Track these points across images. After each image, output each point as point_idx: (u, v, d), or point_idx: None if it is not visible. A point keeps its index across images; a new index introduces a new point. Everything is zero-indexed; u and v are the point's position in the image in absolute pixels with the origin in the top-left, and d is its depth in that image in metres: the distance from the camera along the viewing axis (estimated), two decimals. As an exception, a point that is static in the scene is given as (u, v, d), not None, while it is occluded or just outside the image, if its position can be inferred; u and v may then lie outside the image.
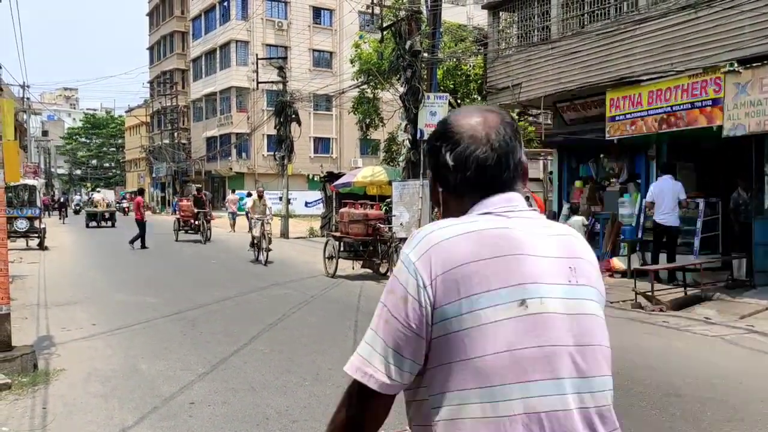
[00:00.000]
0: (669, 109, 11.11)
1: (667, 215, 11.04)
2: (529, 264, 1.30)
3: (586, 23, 13.24)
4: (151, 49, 62.12)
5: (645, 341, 7.65)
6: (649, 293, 9.73)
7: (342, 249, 13.42)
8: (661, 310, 9.42)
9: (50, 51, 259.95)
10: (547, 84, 13.84)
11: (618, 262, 12.26)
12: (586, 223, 12.62)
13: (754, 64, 9.71)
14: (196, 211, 22.08)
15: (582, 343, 1.31)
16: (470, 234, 1.31)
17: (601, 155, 14.36)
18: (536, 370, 1.25)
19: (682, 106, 10.88)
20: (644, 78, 11.58)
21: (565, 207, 14.66)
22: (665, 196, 11.07)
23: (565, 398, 1.27)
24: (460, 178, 1.39)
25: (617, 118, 12.15)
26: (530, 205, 1.43)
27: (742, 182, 11.36)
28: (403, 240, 13.88)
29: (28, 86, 46.36)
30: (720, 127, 10.19)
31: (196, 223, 22.20)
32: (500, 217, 1.34)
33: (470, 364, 1.24)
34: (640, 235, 12.28)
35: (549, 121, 17.23)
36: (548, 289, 1.30)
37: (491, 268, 1.27)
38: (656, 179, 11.76)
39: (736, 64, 9.93)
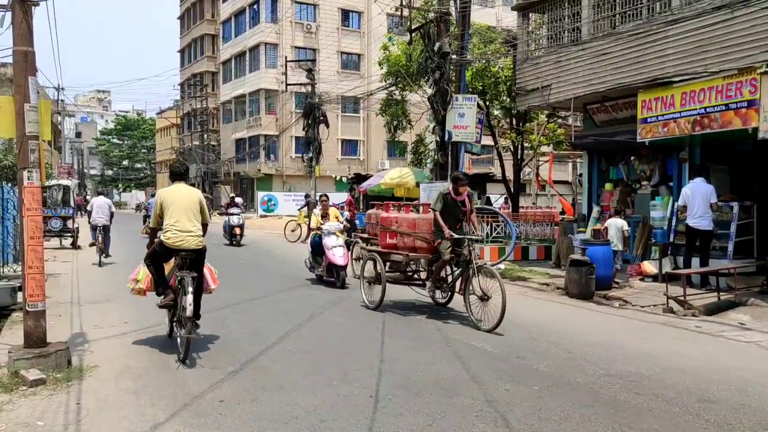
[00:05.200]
0: (702, 110, 10.91)
1: (699, 219, 10.85)
2: None
3: (617, 24, 13.08)
4: (181, 51, 63.00)
5: (677, 346, 7.53)
6: (681, 298, 9.57)
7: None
8: (693, 315, 9.26)
9: (84, 54, 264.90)
10: (577, 85, 13.70)
11: (649, 266, 12.07)
12: (627, 228, 12.36)
13: (792, 65, 9.51)
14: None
15: None
16: None
17: (632, 157, 14.17)
18: None
19: (716, 108, 10.67)
20: (677, 79, 11.40)
21: (595, 209, 14.49)
22: (696, 199, 10.89)
23: None
24: None
25: (649, 119, 11.97)
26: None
27: None
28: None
29: (62, 89, 47.30)
30: (755, 129, 9.98)
31: None
32: None
33: None
34: (671, 239, 12.09)
35: (579, 123, 17.09)
36: None
37: None
38: (689, 182, 11.58)
39: (773, 65, 9.73)
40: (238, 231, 20.56)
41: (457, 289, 8.93)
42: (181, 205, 6.84)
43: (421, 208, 10.63)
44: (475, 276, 8.30)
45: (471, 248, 8.54)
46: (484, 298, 8.11)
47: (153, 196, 17.09)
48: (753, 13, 10.17)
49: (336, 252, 11.69)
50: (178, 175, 7.24)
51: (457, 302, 9.30)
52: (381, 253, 9.86)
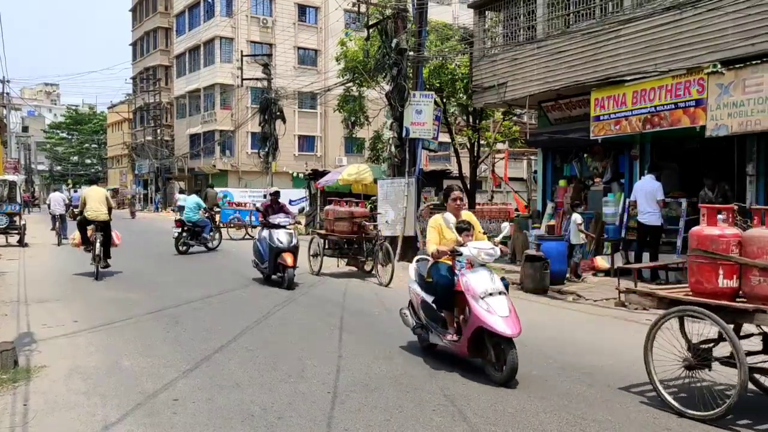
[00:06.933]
0: (653, 109, 11.19)
1: (648, 215, 11.15)
2: None
3: (571, 23, 13.30)
4: (134, 45, 61.57)
5: (629, 339, 7.69)
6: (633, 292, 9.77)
7: (327, 247, 13.34)
8: (644, 309, 9.48)
9: (31, 46, 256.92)
10: (533, 83, 13.89)
11: (601, 261, 12.34)
12: (579, 221, 12.55)
13: (737, 65, 9.82)
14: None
15: None
16: None
17: (585, 155, 14.45)
18: None
19: (665, 107, 10.97)
20: (629, 78, 11.66)
21: (549, 206, 14.73)
22: (640, 196, 11.22)
23: None
24: None
25: (602, 117, 12.22)
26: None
27: (708, 180, 11.49)
28: (388, 238, 13.87)
29: (8, 81, 45.85)
30: (703, 128, 10.29)
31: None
32: None
33: None
34: (623, 234, 12.37)
35: (534, 121, 17.34)
36: None
37: None
38: (640, 179, 11.87)
39: (719, 65, 10.03)
40: (289, 260, 11.20)
41: None
42: (94, 197, 12.46)
43: None
44: None
45: None
46: None
47: (76, 192, 22.77)
48: (701, 14, 10.47)
49: (496, 306, 5.76)
50: (93, 181, 15.15)
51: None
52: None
